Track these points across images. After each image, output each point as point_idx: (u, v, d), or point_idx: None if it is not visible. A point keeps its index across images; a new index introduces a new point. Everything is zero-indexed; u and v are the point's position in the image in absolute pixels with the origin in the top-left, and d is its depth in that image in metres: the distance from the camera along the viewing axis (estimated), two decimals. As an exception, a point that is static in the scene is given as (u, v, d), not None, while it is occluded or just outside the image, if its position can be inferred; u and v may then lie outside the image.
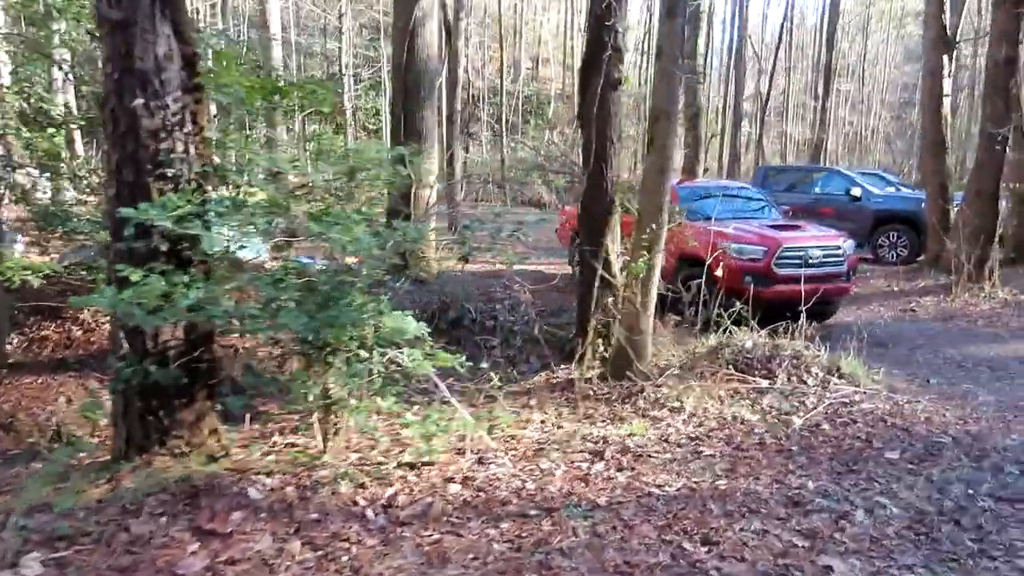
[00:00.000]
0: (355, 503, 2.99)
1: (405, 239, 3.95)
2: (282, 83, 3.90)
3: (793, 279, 7.60)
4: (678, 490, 3.26)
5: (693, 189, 9.57)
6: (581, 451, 3.69)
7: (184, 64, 3.44)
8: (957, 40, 11.96)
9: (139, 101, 3.29)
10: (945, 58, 11.20)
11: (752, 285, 7.51)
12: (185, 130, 3.45)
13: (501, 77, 33.41)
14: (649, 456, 3.64)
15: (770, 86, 32.13)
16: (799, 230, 8.30)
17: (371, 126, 32.84)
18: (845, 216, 13.67)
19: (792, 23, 39.24)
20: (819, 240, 7.98)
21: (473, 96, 41.80)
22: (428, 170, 9.21)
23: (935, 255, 11.30)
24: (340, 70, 28.27)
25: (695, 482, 3.37)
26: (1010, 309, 8.90)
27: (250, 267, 3.75)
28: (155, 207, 3.07)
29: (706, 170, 31.92)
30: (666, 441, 3.85)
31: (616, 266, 5.86)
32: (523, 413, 4.48)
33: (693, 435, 3.95)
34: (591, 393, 4.84)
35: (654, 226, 5.03)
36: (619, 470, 3.47)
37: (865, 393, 4.85)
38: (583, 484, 3.31)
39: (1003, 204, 12.57)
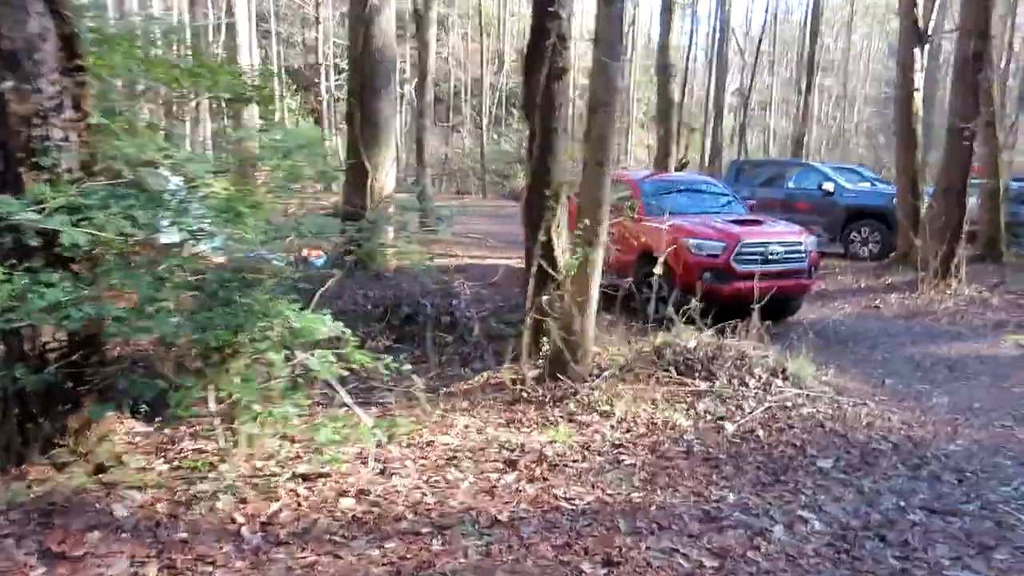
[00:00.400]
0: (232, 520, 2.76)
1: (312, 232, 3.72)
2: (179, 66, 3.65)
3: (753, 276, 7.42)
4: (588, 504, 3.06)
5: (656, 183, 9.36)
6: (495, 460, 3.47)
7: (62, 44, 3.18)
8: (930, 33, 11.80)
9: (7, 84, 3.03)
10: (917, 51, 11.03)
11: (710, 282, 7.34)
12: (64, 116, 3.19)
13: (482, 68, 33.08)
14: (566, 466, 3.43)
15: (753, 79, 32.02)
16: (760, 225, 8.11)
17: (350, 117, 32.48)
18: (817, 211, 13.55)
19: (777, 17, 39.20)
20: (780, 236, 7.80)
21: (455, 88, 41.49)
22: (380, 163, 8.97)
23: (904, 251, 11.17)
24: (317, 59, 27.85)
25: (609, 495, 3.17)
26: (975, 307, 8.77)
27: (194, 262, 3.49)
28: (19, 200, 2.82)
29: (685, 163, 31.75)
30: (587, 449, 3.65)
31: (561, 261, 5.65)
32: (450, 416, 4.26)
33: (618, 442, 3.74)
34: (524, 395, 4.62)
35: (591, 221, 4.82)
36: (530, 481, 3.26)
37: (809, 396, 4.66)
38: (489, 497, 3.10)
39: (974, 200, 12.49)
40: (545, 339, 5.28)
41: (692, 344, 5.06)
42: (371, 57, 8.80)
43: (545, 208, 5.67)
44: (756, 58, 30.92)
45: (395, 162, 9.71)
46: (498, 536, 2.76)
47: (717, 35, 30.94)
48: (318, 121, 27.54)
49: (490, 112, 43.51)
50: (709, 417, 4.14)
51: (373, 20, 8.66)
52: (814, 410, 4.43)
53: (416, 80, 21.07)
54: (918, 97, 11.22)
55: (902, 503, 3.31)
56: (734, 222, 8.04)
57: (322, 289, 4.87)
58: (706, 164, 28.49)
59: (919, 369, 6.64)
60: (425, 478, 3.27)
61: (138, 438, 3.68)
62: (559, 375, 4.90)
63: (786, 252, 7.68)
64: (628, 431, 3.92)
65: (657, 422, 4.03)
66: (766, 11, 34.95)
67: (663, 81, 13.42)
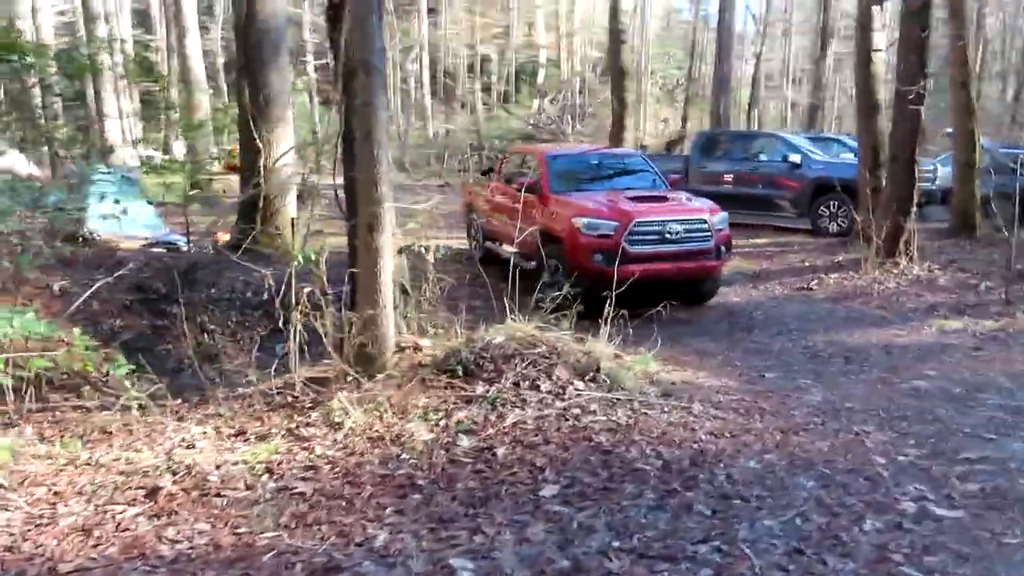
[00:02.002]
0: None
1: None
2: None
3: (648, 257, 6.75)
4: (191, 548, 2.49)
5: (567, 158, 8.66)
6: (141, 487, 2.93)
7: None
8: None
9: None
10: (876, 9, 10.07)
11: (601, 264, 6.70)
12: None
13: (474, 42, 32.26)
14: (220, 495, 2.87)
15: (762, 47, 30.73)
16: (663, 203, 7.39)
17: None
18: (783, 184, 12.70)
19: (788, -19, 37.58)
20: (681, 213, 7.07)
21: (457, 64, 40.77)
22: (274, 140, 8.43)
23: (864, 226, 10.31)
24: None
25: (236, 535, 2.60)
26: (917, 288, 7.95)
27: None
28: None
29: (682, 137, 30.53)
30: (270, 472, 3.08)
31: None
32: (175, 426, 3.72)
33: (313, 464, 3.16)
34: (292, 399, 4.06)
35: (367, 203, 4.21)
36: (153, 516, 2.71)
37: (613, 401, 4.02)
38: (80, 538, 2.56)
39: (946, 170, 11.51)
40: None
41: (500, 339, 4.44)
42: (256, 25, 8.25)
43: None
44: (764, 27, 29.61)
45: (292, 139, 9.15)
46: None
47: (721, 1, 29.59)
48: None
49: (489, 88, 42.71)
50: (460, 428, 3.53)
51: (256, -15, 8.10)
52: (604, 418, 3.78)
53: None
54: (878, 58, 10.28)
55: (615, 543, 2.68)
56: (634, 199, 7.34)
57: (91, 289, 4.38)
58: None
59: (814, 360, 5.93)
60: (38, 511, 2.74)
61: None
62: (361, 375, 4.34)
63: (687, 231, 6.97)
64: (345, 447, 3.33)
65: (387, 437, 3.44)
66: (777, -24, 33.36)
67: (614, 48, 12.60)
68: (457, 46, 40.67)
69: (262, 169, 8.52)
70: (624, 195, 7.46)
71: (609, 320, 5.18)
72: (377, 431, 3.47)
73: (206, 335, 6.25)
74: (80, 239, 8.97)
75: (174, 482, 2.95)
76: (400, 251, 5.34)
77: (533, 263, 7.76)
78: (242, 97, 8.46)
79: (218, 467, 3.08)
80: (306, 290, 4.10)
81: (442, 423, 3.59)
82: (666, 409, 4.08)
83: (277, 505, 2.80)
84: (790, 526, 2.91)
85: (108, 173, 10.93)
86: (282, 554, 2.48)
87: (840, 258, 9.60)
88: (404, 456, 3.23)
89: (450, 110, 38.42)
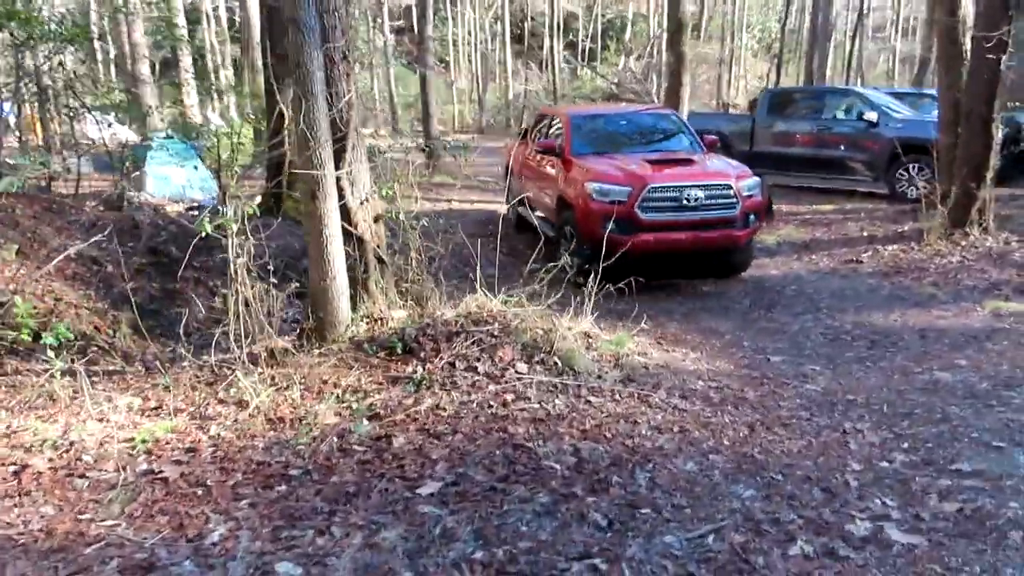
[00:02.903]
0: None
1: None
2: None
3: (664, 226, 6.26)
4: (20, 534, 2.39)
5: (592, 118, 8.15)
6: (14, 462, 2.85)
7: None
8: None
9: None
10: (964, -57, 8.84)
11: (614, 233, 6.25)
12: None
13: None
14: (84, 475, 2.76)
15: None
16: (686, 166, 6.80)
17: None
18: (857, 145, 11.63)
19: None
20: (701, 178, 6.49)
21: (539, 22, 39.87)
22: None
23: (931, 192, 9.27)
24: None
25: (76, 521, 2.48)
26: (984, 263, 7.05)
27: None
28: None
29: (728, 106, 28.47)
30: (150, 452, 2.95)
31: (355, 215, 4.84)
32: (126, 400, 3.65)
33: (196, 446, 3.01)
34: (221, 375, 3.93)
35: (306, 166, 3.98)
36: (7, 496, 2.62)
37: (557, 385, 3.68)
38: None
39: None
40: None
41: (450, 315, 4.15)
42: (275, -14, 8.08)
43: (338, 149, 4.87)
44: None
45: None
46: None
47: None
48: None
49: (583, 46, 41.61)
50: (362, 412, 3.29)
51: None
52: (536, 406, 3.45)
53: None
54: (965, 2, 9.05)
55: (476, 554, 2.38)
56: (654, 163, 6.80)
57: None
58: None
59: (833, 343, 5.34)
60: None
61: None
62: (307, 349, 4.20)
63: (708, 198, 6.39)
64: (240, 429, 3.16)
65: (290, 419, 3.24)
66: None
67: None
68: (541, 2, 39.72)
69: (287, 133, 8.48)
70: (645, 158, 6.93)
71: (592, 294, 4.79)
72: (281, 413, 3.28)
73: (219, 300, 6.27)
74: (125, 202, 9.24)
75: (50, 459, 2.87)
76: (376, 219, 5.11)
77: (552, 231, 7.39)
78: (265, 56, 8.37)
79: (102, 444, 2.98)
80: (240, 260, 3.91)
81: (354, 406, 3.36)
82: (617, 397, 3.71)
83: (134, 490, 2.66)
84: (696, 545, 2.53)
85: (171, 139, 11.26)
86: (108, 547, 2.33)
87: (905, 228, 8.67)
88: (292, 441, 3.03)
89: (528, 70, 37.69)
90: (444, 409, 3.33)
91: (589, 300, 4.77)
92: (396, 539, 2.43)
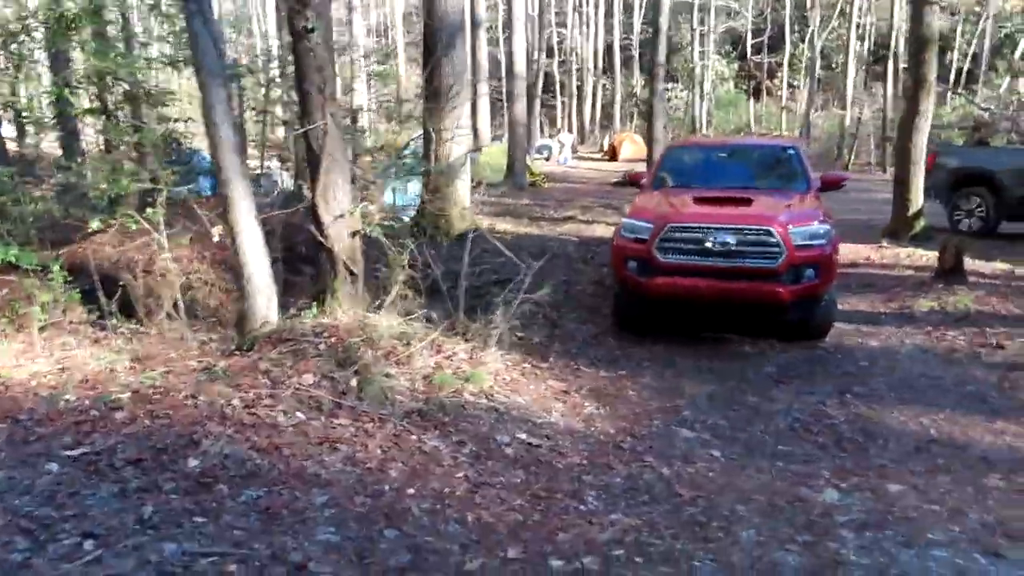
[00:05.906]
0: None
1: None
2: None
3: (683, 270, 5.71)
4: None
5: (686, 150, 7.44)
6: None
7: None
8: None
9: None
10: None
11: (633, 273, 5.92)
12: None
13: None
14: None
15: None
16: (736, 206, 5.89)
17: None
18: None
19: None
20: (734, 221, 5.60)
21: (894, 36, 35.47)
22: (443, 128, 9.15)
23: None
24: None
25: None
26: None
27: None
28: None
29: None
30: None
31: (330, 226, 5.46)
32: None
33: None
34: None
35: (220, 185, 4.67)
36: None
37: (317, 403, 3.77)
38: None
39: None
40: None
41: (307, 321, 4.49)
42: (433, 21, 9.04)
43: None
44: None
45: (466, 128, 9.68)
46: None
47: None
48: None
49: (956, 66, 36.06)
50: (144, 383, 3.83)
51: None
52: (274, 415, 3.64)
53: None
54: None
55: None
56: (704, 200, 6.08)
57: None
58: None
59: (801, 440, 4.30)
60: None
61: None
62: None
63: (740, 243, 5.54)
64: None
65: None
66: None
67: (917, 9, 9.84)
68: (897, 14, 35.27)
69: (434, 156, 9.40)
70: (704, 195, 6.21)
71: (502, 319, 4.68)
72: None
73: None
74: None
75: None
76: (353, 234, 5.63)
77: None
78: (426, 88, 9.38)
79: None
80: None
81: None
82: (375, 426, 3.68)
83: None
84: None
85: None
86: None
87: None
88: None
89: (870, 94, 33.67)
90: (195, 399, 3.71)
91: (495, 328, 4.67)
92: None
